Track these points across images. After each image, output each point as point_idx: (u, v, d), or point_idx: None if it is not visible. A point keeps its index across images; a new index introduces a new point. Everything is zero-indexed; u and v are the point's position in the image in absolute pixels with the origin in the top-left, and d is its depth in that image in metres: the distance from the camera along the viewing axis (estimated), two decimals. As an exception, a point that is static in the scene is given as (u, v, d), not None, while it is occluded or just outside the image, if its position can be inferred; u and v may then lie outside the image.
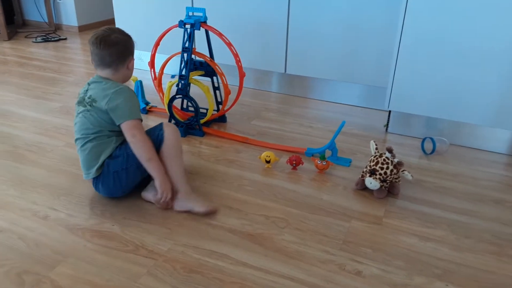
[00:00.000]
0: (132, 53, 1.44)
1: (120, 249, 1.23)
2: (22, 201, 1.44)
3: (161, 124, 1.43)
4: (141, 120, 1.40)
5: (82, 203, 1.44)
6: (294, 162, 1.65)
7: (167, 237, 1.29)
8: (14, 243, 1.25)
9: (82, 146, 1.40)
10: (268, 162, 1.66)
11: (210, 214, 1.39)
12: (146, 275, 1.14)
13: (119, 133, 1.39)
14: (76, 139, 1.43)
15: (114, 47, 1.38)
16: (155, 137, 1.40)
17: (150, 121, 2.08)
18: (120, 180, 1.39)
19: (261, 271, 1.17)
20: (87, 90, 1.42)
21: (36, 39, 3.62)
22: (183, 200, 1.40)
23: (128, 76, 1.47)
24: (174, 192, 1.41)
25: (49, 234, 1.28)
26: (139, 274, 1.14)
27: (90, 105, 1.38)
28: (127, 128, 1.35)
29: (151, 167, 1.36)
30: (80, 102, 1.43)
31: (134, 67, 1.48)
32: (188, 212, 1.39)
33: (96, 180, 1.41)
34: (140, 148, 1.35)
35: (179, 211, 1.40)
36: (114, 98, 1.35)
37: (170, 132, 1.41)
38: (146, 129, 1.43)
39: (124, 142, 1.39)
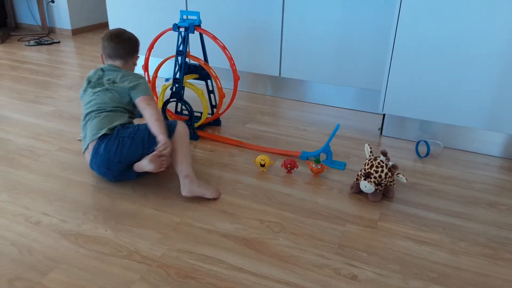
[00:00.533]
0: (137, 52, 1.71)
1: (113, 255, 1.22)
2: (14, 206, 1.42)
3: (175, 121, 1.54)
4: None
5: (75, 208, 1.42)
6: (289, 165, 1.65)
7: (161, 242, 1.28)
8: (6, 249, 1.23)
9: (98, 114, 1.53)
10: (262, 165, 1.66)
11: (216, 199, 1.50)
12: (140, 280, 1.13)
13: (132, 112, 1.62)
14: (89, 112, 1.55)
15: (127, 42, 1.66)
16: (168, 125, 1.51)
17: (144, 125, 2.07)
18: (123, 146, 1.47)
19: (256, 276, 1.16)
20: (103, 75, 1.62)
21: (29, 43, 3.60)
22: (193, 185, 1.47)
23: (132, 71, 1.70)
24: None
25: (42, 240, 1.27)
26: (132, 280, 1.13)
27: (110, 85, 1.58)
28: (144, 99, 1.55)
29: (158, 125, 1.46)
30: (98, 84, 1.60)
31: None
32: (199, 197, 1.47)
33: (100, 141, 1.47)
34: (153, 109, 1.51)
35: (188, 196, 1.47)
36: (134, 79, 1.59)
37: (183, 125, 1.54)
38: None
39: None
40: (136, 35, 1.71)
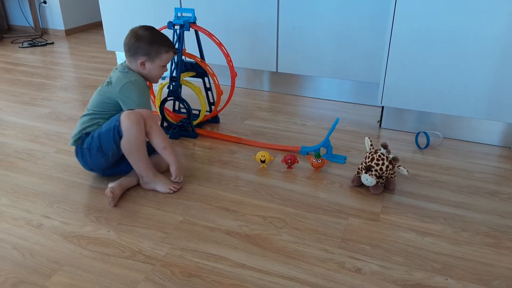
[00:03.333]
0: (144, 54, 1.50)
1: (117, 256, 1.21)
2: (15, 210, 1.42)
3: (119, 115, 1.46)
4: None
5: (76, 210, 1.42)
6: (289, 161, 1.65)
7: (164, 241, 1.27)
8: (8, 253, 1.22)
9: (82, 115, 1.55)
10: (263, 162, 1.66)
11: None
12: (144, 280, 1.13)
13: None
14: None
15: (132, 38, 1.50)
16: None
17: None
18: (86, 158, 1.51)
19: (260, 272, 1.16)
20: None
21: (22, 44, 3.58)
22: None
23: (145, 76, 1.55)
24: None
25: (44, 243, 1.26)
26: (137, 280, 1.13)
27: (102, 87, 1.53)
28: (141, 116, 1.47)
29: (167, 154, 1.50)
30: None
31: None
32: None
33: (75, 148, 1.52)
34: (157, 135, 1.50)
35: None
36: (127, 87, 1.48)
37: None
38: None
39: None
40: None
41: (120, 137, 1.43)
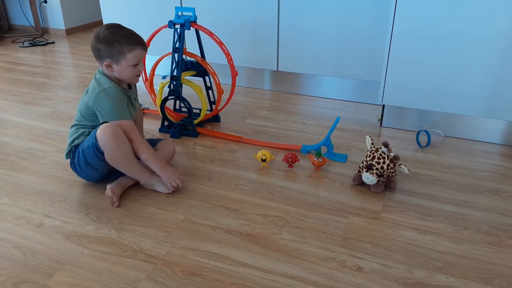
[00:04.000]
0: (108, 57, 1.41)
1: (118, 255, 1.21)
2: (16, 209, 1.42)
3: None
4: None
5: (77, 209, 1.42)
6: (290, 159, 1.65)
7: (165, 240, 1.27)
8: (9, 252, 1.22)
9: (71, 126, 1.53)
10: (264, 160, 1.66)
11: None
12: (146, 279, 1.13)
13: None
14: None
15: (94, 40, 1.42)
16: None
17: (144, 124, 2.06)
18: (78, 171, 1.50)
19: (262, 271, 1.16)
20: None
21: (23, 44, 3.58)
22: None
23: (118, 78, 1.47)
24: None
25: (45, 242, 1.26)
26: (138, 279, 1.13)
27: (83, 95, 1.50)
28: (106, 128, 1.42)
29: (151, 165, 1.47)
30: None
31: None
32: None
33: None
34: (139, 149, 1.46)
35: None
36: (98, 95, 1.43)
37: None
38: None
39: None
40: None
41: (101, 152, 1.40)
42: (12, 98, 2.40)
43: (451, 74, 1.79)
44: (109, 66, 1.43)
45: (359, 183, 1.54)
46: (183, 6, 2.43)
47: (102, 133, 1.37)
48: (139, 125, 1.68)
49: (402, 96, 1.91)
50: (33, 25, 3.95)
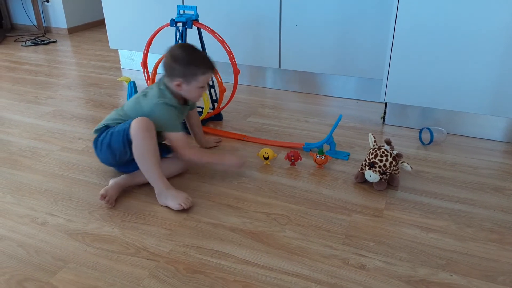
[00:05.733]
0: (180, 76, 1.46)
1: (121, 252, 1.22)
2: (20, 207, 1.42)
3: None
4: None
5: (81, 207, 1.42)
6: (292, 157, 1.65)
7: (168, 238, 1.27)
8: (13, 250, 1.23)
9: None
10: (266, 158, 1.66)
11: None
12: (149, 277, 1.13)
13: None
14: None
15: (168, 57, 1.49)
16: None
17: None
18: (98, 150, 1.52)
19: (265, 268, 1.16)
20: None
21: (25, 43, 3.58)
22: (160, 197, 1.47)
23: (184, 96, 1.53)
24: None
25: (49, 240, 1.27)
26: (141, 277, 1.13)
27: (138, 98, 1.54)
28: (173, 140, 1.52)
29: (205, 160, 1.57)
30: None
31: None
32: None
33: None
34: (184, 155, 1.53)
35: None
36: (156, 105, 1.47)
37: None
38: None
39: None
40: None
41: (128, 140, 1.40)
42: (15, 97, 2.40)
43: (454, 71, 1.78)
44: (179, 85, 1.48)
45: (362, 181, 1.54)
46: (185, 4, 2.43)
47: (136, 123, 1.39)
48: (196, 128, 1.78)
49: (404, 93, 1.90)
50: (35, 24, 3.96)
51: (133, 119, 1.42)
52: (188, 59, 1.46)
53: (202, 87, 1.51)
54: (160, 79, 1.55)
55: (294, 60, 2.36)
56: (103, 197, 1.40)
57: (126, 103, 1.56)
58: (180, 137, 1.48)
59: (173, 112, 1.48)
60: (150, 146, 1.39)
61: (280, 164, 1.68)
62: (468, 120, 1.89)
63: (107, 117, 1.55)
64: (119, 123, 1.49)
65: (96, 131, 1.54)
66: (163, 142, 1.58)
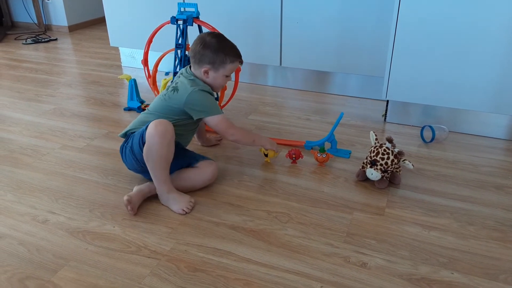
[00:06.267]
0: (209, 63, 1.46)
1: (122, 251, 1.22)
2: (21, 206, 1.42)
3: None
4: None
5: (82, 205, 1.42)
6: (293, 155, 1.64)
7: (169, 236, 1.27)
8: (14, 248, 1.23)
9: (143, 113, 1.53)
10: (266, 155, 1.65)
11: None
12: (150, 275, 1.13)
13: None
14: None
15: (199, 45, 1.47)
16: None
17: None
18: (124, 155, 1.48)
19: (266, 266, 1.16)
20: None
21: (26, 41, 3.58)
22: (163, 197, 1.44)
23: (208, 84, 1.50)
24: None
25: (50, 239, 1.27)
26: (142, 275, 1.13)
27: (167, 92, 1.51)
28: (216, 122, 1.51)
29: (251, 142, 1.58)
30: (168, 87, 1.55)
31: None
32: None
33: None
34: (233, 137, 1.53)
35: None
36: (192, 95, 1.46)
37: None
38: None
39: None
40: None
41: (143, 143, 1.37)
42: (15, 95, 2.40)
43: (455, 69, 1.77)
44: (206, 72, 1.47)
45: (363, 179, 1.54)
46: (185, 2, 2.42)
47: (153, 126, 1.34)
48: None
49: (406, 91, 1.90)
50: (36, 22, 3.95)
51: (171, 118, 1.42)
52: (219, 47, 1.46)
53: (228, 76, 1.51)
54: (181, 72, 1.53)
55: (295, 58, 2.35)
56: (129, 202, 1.35)
57: (151, 105, 1.51)
58: (222, 118, 1.47)
59: (210, 97, 1.48)
60: (162, 152, 1.34)
61: (281, 162, 1.68)
62: (470, 118, 1.88)
63: (136, 122, 1.49)
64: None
65: (123, 135, 1.50)
66: (191, 150, 1.56)
